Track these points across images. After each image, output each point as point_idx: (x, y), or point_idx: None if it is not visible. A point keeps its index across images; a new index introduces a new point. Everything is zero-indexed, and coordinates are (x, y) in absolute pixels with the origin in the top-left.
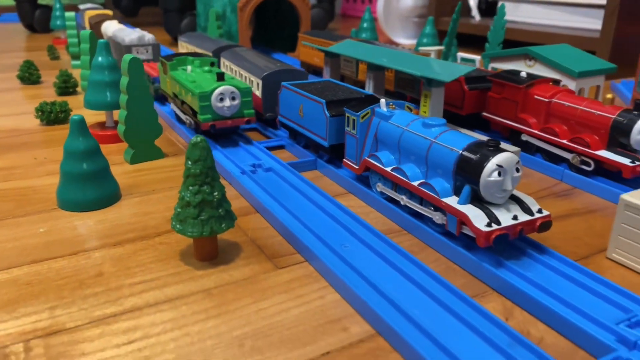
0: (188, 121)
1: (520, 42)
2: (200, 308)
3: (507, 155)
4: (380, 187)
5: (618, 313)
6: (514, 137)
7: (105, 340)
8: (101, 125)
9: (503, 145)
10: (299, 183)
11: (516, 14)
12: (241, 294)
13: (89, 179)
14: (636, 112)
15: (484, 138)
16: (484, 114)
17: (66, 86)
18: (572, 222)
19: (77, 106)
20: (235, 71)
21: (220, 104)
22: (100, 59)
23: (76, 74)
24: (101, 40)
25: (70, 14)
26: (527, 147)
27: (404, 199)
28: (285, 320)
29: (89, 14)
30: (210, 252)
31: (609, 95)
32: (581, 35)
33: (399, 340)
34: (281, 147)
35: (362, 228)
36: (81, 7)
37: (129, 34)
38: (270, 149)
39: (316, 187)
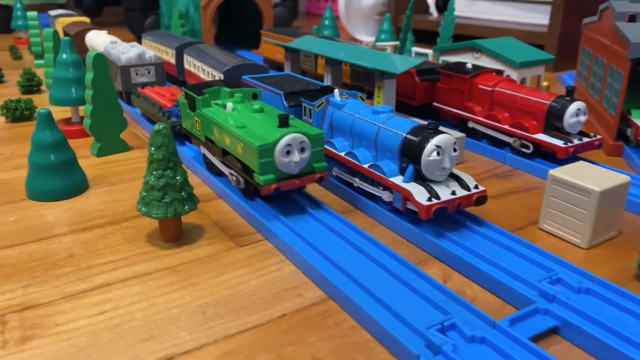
0: (235, 178)
1: (475, 37)
2: (166, 282)
3: (444, 137)
4: (336, 171)
5: (542, 273)
6: (461, 124)
7: (77, 312)
8: (67, 121)
9: (448, 131)
10: None
11: (472, 11)
12: (204, 269)
13: (56, 170)
14: (569, 98)
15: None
16: (435, 104)
17: (30, 85)
18: (510, 199)
19: (42, 104)
20: (198, 67)
21: (286, 159)
22: (64, 56)
23: (40, 72)
24: (65, 38)
25: (32, 14)
26: (473, 134)
27: (356, 181)
28: (245, 290)
29: (63, 21)
30: (175, 234)
31: (545, 83)
32: (531, 30)
33: (347, 301)
34: None
35: (320, 209)
36: (52, 13)
37: (125, 51)
38: None
39: None
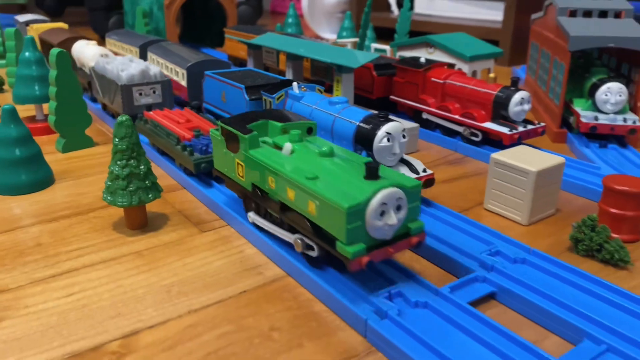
0: (301, 243)
1: (434, 34)
2: (132, 266)
3: (394, 124)
4: None
5: (483, 247)
6: (416, 116)
7: (46, 295)
8: (31, 119)
9: (403, 121)
10: None
11: (431, 9)
12: (169, 253)
13: (22, 164)
14: (513, 88)
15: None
16: (391, 97)
17: None
18: (459, 183)
19: (4, 103)
20: (162, 64)
21: (380, 222)
22: (27, 54)
23: (2, 72)
24: (27, 36)
25: None
26: (427, 124)
27: None
28: (208, 271)
29: (38, 28)
30: (140, 221)
31: (492, 75)
32: (486, 26)
33: (304, 277)
34: None
35: None
36: (20, 18)
37: (124, 67)
38: None
39: None
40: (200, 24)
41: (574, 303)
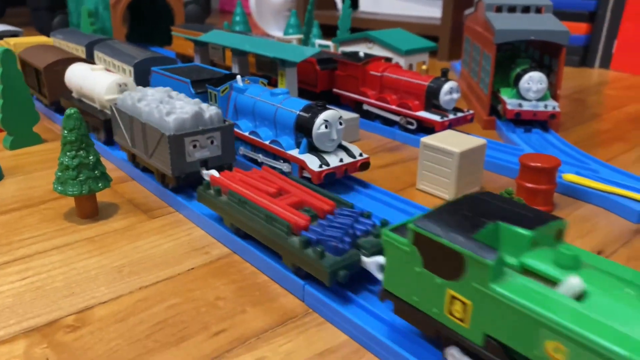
0: None
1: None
2: (84, 250)
3: (331, 112)
4: (242, 150)
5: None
6: (358, 107)
7: (1, 280)
8: None
9: (343, 112)
10: None
11: (376, 7)
12: (119, 238)
13: None
14: (443, 79)
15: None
16: (334, 90)
17: None
18: (395, 168)
19: None
20: (109, 62)
21: None
22: None
23: None
24: None
25: None
26: (368, 115)
27: (260, 157)
28: (158, 252)
29: (17, 44)
30: (91, 210)
31: (424, 67)
32: (427, 23)
33: (248, 252)
34: None
35: None
36: None
37: (169, 107)
38: None
39: None
40: (147, 23)
41: None
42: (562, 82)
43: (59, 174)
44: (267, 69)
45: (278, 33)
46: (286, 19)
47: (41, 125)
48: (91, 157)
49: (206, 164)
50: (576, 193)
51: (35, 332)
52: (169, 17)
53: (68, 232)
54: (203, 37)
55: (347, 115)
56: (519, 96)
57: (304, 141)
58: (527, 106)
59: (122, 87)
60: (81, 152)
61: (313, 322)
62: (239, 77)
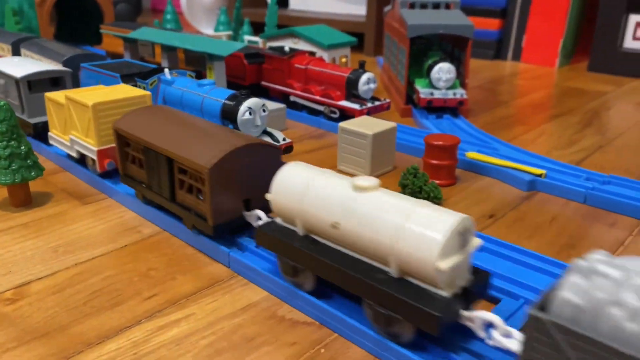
0: None
1: None
2: (19, 235)
3: (254, 100)
4: None
5: None
6: (285, 99)
7: None
8: None
9: (271, 102)
10: None
11: (305, 5)
12: (54, 222)
13: None
14: (361, 70)
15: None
16: (263, 83)
17: None
18: (320, 153)
19: None
20: (37, 59)
21: None
22: None
23: None
24: None
25: None
26: (295, 106)
27: None
28: (92, 234)
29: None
30: (24, 199)
31: (344, 60)
32: (354, 20)
33: (177, 228)
34: None
35: None
36: None
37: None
38: None
39: None
40: (76, 22)
41: None
42: (478, 74)
43: None
44: (196, 64)
45: (209, 31)
46: (217, 16)
47: None
48: (23, 147)
49: None
50: (477, 168)
51: None
52: (99, 16)
53: (2, 220)
54: (132, 34)
55: (274, 105)
56: (431, 85)
57: (230, 127)
58: (438, 94)
59: None
60: (12, 142)
61: (238, 284)
62: (166, 70)
